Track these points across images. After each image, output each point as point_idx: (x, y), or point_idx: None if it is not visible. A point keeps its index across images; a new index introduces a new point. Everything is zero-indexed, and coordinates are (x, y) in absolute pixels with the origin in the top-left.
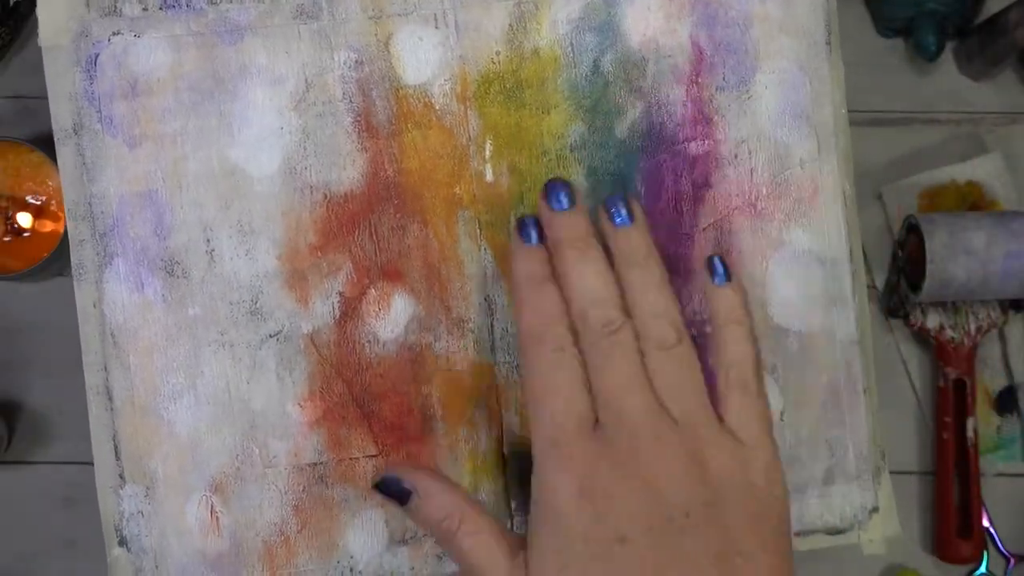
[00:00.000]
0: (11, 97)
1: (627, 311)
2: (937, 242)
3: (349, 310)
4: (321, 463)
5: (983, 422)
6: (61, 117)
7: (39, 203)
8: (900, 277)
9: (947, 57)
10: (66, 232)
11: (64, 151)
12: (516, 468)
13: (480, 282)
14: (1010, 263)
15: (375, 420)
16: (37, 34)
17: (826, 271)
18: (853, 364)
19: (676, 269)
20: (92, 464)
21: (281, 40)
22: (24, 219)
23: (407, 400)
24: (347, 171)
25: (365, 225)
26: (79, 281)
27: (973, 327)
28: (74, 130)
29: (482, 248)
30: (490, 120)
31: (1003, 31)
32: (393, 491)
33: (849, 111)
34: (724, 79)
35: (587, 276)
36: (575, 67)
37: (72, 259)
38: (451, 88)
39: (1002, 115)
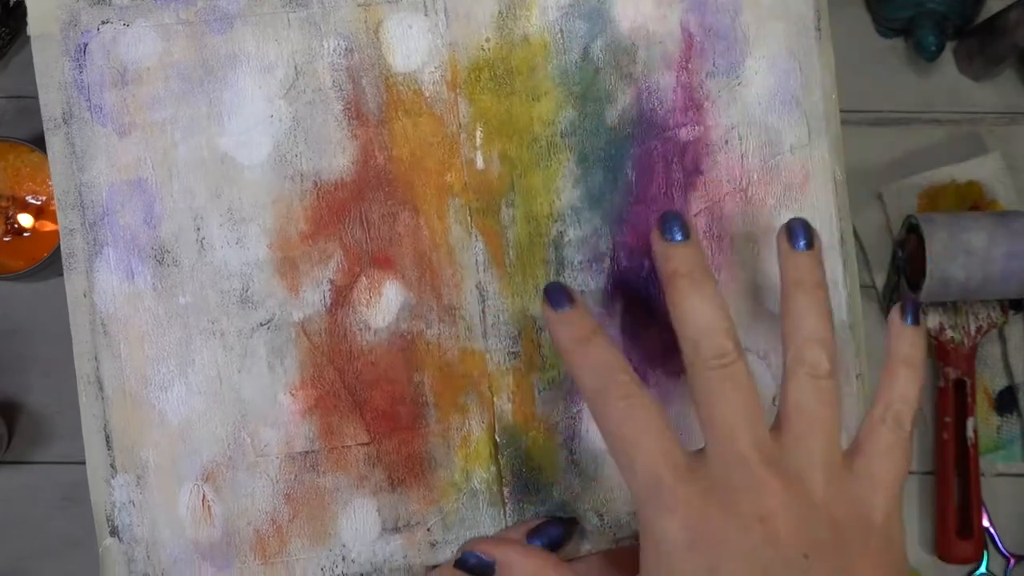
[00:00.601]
0: (11, 97)
1: (739, 346)
2: (937, 242)
3: (340, 298)
4: (313, 452)
5: (983, 422)
6: (50, 106)
7: (39, 203)
8: (900, 277)
9: (947, 57)
10: None
11: (54, 140)
12: (509, 455)
13: (471, 270)
14: (1010, 263)
15: (367, 408)
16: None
17: None
18: (845, 350)
19: None
20: None
21: (270, 28)
22: (24, 219)
23: (399, 388)
24: (337, 159)
25: (356, 213)
26: (69, 271)
27: (973, 327)
28: (63, 119)
29: (473, 235)
30: (480, 107)
31: (1003, 31)
32: (472, 567)
33: (849, 111)
34: (714, 65)
35: (700, 306)
36: (565, 54)
37: (62, 248)
38: (441, 75)
39: (1002, 115)
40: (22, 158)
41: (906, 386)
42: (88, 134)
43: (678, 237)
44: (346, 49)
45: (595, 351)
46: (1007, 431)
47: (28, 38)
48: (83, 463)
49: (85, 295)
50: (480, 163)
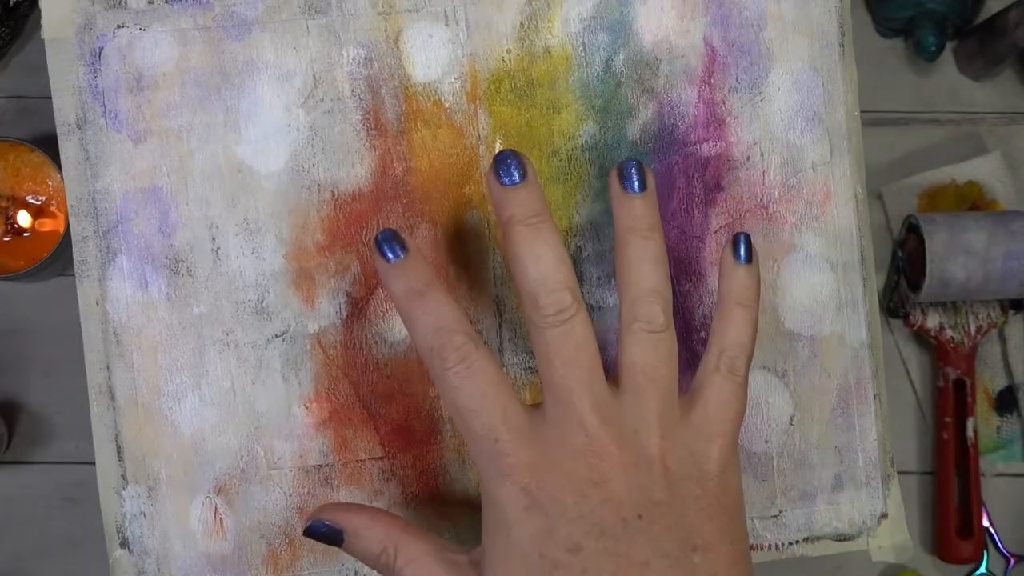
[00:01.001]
0: (11, 97)
1: (579, 297)
2: (937, 242)
3: (356, 310)
4: (327, 465)
5: (983, 422)
6: (64, 111)
7: (39, 203)
8: (900, 277)
9: (947, 57)
10: (66, 232)
11: (67, 146)
12: None
13: (489, 283)
14: (1010, 263)
15: (382, 422)
16: (40, 29)
17: (837, 275)
18: (864, 369)
19: (687, 272)
20: (92, 464)
21: (289, 35)
22: (24, 219)
23: (414, 402)
24: (355, 169)
25: (373, 224)
26: (81, 278)
27: (973, 327)
28: (77, 125)
29: (491, 249)
30: (500, 119)
31: (1003, 31)
32: (323, 535)
33: None
34: (737, 80)
35: (540, 257)
36: (587, 66)
37: (75, 256)
38: (461, 86)
39: (1002, 115)
40: (22, 158)
41: (740, 330)
42: (103, 140)
43: (516, 179)
44: (365, 58)
45: (431, 305)
46: (1007, 431)
47: (28, 38)
48: (83, 463)
49: (97, 303)
50: None
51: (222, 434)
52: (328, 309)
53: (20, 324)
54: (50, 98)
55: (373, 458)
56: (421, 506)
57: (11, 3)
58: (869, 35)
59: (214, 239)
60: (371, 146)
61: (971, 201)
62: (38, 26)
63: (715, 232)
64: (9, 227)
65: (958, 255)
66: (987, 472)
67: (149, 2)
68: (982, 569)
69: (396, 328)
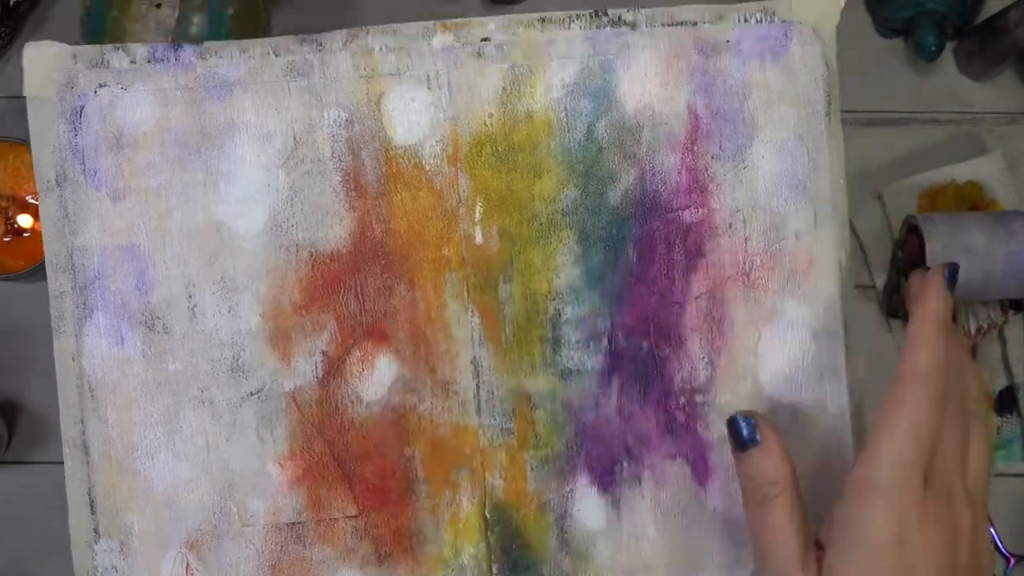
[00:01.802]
0: (11, 97)
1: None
2: (937, 242)
3: (332, 369)
4: (300, 523)
5: None
6: (44, 168)
7: (39, 203)
8: (900, 277)
9: (947, 57)
10: None
11: (46, 202)
12: (498, 532)
13: (467, 344)
14: (1010, 263)
15: (356, 481)
16: (39, 30)
17: (819, 343)
18: (844, 437)
19: (667, 338)
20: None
21: (271, 97)
22: (24, 219)
23: (389, 462)
24: (334, 230)
25: (351, 285)
26: (58, 333)
27: (973, 327)
28: (57, 182)
29: (470, 310)
30: (481, 182)
31: (1003, 31)
32: (741, 433)
33: (849, 111)
34: (720, 147)
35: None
36: (569, 132)
37: (52, 310)
38: (442, 149)
39: (1002, 115)
40: (22, 158)
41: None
42: (82, 198)
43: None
44: (347, 120)
45: (942, 340)
46: (1007, 431)
47: (28, 38)
48: None
49: (73, 359)
50: (479, 238)
51: (195, 490)
52: (304, 368)
53: (20, 324)
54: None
55: (347, 516)
56: (394, 565)
57: (11, 3)
58: (869, 35)
59: (191, 297)
60: (350, 207)
61: (971, 201)
62: (38, 26)
63: (696, 298)
64: (9, 227)
65: (958, 255)
66: None
67: (131, 62)
68: None
69: (372, 388)
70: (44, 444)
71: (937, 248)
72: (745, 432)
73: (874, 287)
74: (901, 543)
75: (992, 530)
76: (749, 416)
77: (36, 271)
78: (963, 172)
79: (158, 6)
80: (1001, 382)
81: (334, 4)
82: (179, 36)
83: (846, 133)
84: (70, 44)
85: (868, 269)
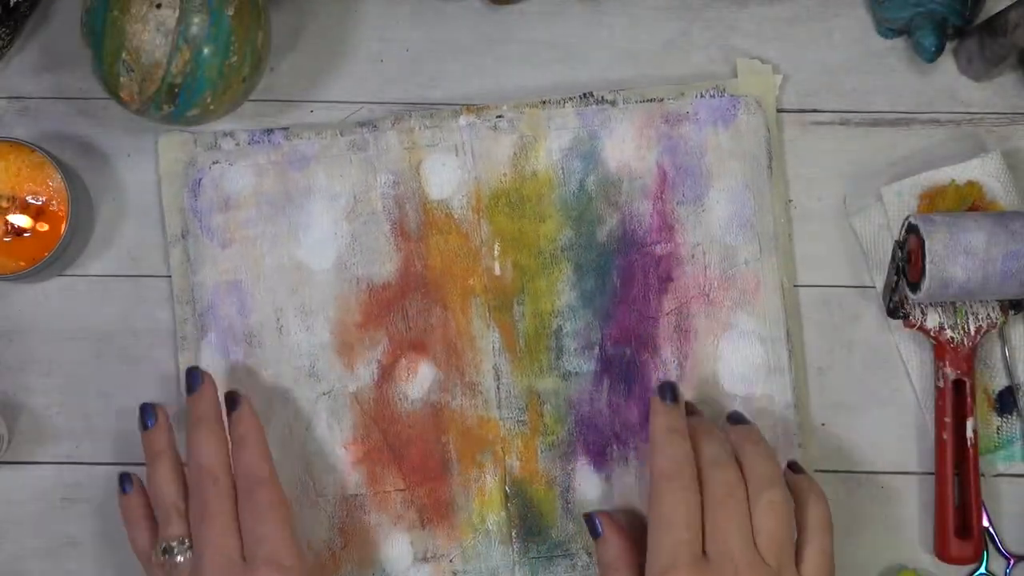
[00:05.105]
0: (11, 97)
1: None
2: (937, 242)
3: (385, 375)
4: (360, 494)
5: (983, 422)
6: (172, 225)
7: (39, 203)
8: (900, 277)
9: (947, 57)
10: (66, 232)
11: (174, 251)
12: (516, 503)
13: (489, 354)
14: (1010, 263)
15: (404, 461)
16: (39, 30)
17: (766, 347)
18: (789, 424)
19: (645, 345)
20: (92, 464)
21: (337, 166)
22: (24, 219)
23: (429, 446)
24: (385, 267)
25: (398, 308)
26: (182, 349)
27: (973, 327)
28: (181, 235)
29: (491, 327)
30: (498, 227)
31: (1003, 31)
32: (590, 527)
33: (849, 111)
34: (683, 195)
35: (712, 444)
36: (565, 186)
37: (176, 331)
38: (468, 202)
39: (1002, 115)
40: (22, 158)
41: (816, 508)
42: (199, 247)
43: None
44: (394, 182)
45: (680, 447)
46: (1007, 431)
47: (28, 39)
48: (83, 463)
49: None
50: (497, 270)
51: (280, 469)
52: (364, 373)
53: (20, 324)
54: (51, 98)
55: (397, 489)
56: (434, 528)
57: (11, 3)
58: (869, 35)
59: (278, 319)
60: (397, 248)
61: (971, 201)
62: (38, 26)
63: (667, 314)
64: (9, 227)
65: (958, 255)
66: (987, 472)
67: (236, 144)
68: (982, 569)
69: (416, 389)
70: (44, 444)
71: (937, 248)
72: (589, 526)
73: (874, 287)
74: None
75: (992, 530)
76: (596, 515)
77: (36, 271)
78: (963, 172)
79: (158, 6)
80: (1001, 382)
81: (334, 4)
82: (179, 36)
83: (846, 134)
84: (82, 51)
85: (868, 269)
